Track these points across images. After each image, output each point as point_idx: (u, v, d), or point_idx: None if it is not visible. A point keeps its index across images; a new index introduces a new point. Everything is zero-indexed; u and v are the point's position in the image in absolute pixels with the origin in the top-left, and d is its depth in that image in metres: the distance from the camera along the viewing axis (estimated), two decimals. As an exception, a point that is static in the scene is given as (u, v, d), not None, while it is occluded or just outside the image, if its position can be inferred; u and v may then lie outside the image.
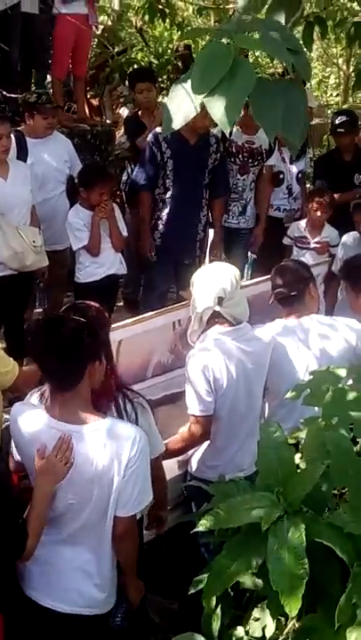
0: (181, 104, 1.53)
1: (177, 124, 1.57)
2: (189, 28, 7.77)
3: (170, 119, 1.56)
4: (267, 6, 2.00)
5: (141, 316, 3.24)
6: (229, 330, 2.81)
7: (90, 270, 4.46)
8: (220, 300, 2.77)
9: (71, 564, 2.19)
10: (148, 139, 4.75)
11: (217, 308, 2.78)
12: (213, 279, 2.82)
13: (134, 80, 5.57)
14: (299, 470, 1.86)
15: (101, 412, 2.19)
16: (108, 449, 2.08)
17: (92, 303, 2.27)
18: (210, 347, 2.77)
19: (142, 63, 8.04)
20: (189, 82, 1.48)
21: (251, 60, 9.29)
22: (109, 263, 4.50)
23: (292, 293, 3.14)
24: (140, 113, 5.58)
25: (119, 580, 2.31)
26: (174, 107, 1.57)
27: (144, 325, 3.08)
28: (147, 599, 2.51)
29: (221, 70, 1.42)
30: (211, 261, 4.77)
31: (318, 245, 5.00)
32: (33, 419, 2.17)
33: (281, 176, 5.48)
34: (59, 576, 2.19)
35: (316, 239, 5.03)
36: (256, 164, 5.39)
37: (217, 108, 1.43)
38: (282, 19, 1.91)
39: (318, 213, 4.98)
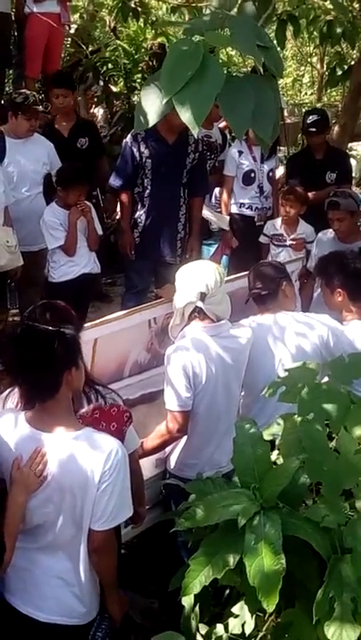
0: (154, 102, 1.53)
1: (149, 121, 1.57)
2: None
3: (143, 117, 1.56)
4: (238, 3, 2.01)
5: (116, 314, 3.22)
6: (210, 326, 2.81)
7: (64, 269, 4.45)
8: (202, 296, 2.77)
9: (49, 572, 2.14)
10: (127, 139, 4.73)
11: (199, 304, 2.78)
12: (197, 275, 2.81)
13: (50, 84, 5.46)
14: (275, 466, 1.87)
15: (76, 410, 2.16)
16: (83, 460, 2.03)
17: (59, 302, 2.23)
18: (190, 342, 2.76)
19: (117, 62, 8.01)
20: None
21: (224, 58, 9.29)
22: (84, 262, 4.51)
23: (265, 292, 3.18)
24: (55, 119, 5.44)
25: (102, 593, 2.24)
26: (147, 104, 1.57)
27: (119, 323, 3.06)
28: (130, 610, 2.43)
29: (190, 69, 1.42)
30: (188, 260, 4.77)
31: (295, 242, 5.02)
32: (12, 425, 2.12)
33: (252, 175, 5.49)
34: (36, 583, 2.14)
35: (291, 236, 5.06)
36: (213, 157, 5.61)
37: (185, 108, 1.43)
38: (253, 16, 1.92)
39: (288, 209, 5.02)
